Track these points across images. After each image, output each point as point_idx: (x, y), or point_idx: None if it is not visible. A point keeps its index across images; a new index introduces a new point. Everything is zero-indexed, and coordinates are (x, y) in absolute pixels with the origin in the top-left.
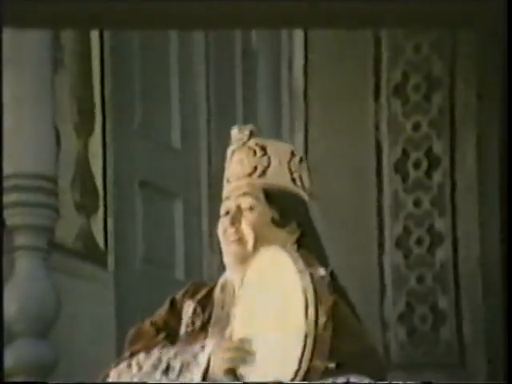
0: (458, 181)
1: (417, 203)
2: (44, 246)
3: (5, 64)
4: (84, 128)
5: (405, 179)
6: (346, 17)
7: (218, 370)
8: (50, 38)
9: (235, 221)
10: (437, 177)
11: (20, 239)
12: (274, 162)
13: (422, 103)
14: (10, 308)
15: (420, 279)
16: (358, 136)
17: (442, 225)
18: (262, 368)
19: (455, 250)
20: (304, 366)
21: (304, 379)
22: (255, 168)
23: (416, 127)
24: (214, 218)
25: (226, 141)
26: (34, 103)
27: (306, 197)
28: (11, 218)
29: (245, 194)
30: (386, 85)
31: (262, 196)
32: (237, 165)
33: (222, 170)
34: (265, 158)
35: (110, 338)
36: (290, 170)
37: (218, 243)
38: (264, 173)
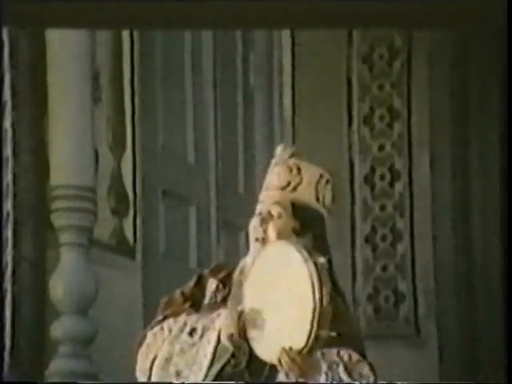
0: (414, 190)
1: (382, 208)
2: (85, 242)
3: (54, 101)
4: (118, 149)
5: (372, 189)
6: (348, 16)
7: (223, 338)
8: (90, 78)
9: (264, 223)
10: (398, 187)
11: (65, 237)
12: (304, 182)
13: (385, 130)
14: (57, 292)
15: (384, 268)
16: (335, 155)
17: (402, 225)
18: (273, 336)
19: (412, 245)
20: (313, 335)
21: (312, 346)
22: (289, 183)
23: (381, 148)
24: (221, 220)
25: (230, 160)
26: (78, 130)
27: (324, 213)
28: (59, 220)
29: (276, 202)
30: (357, 115)
31: (289, 207)
32: (275, 176)
33: (227, 181)
34: (298, 176)
35: (138, 315)
36: (316, 189)
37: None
38: (295, 189)
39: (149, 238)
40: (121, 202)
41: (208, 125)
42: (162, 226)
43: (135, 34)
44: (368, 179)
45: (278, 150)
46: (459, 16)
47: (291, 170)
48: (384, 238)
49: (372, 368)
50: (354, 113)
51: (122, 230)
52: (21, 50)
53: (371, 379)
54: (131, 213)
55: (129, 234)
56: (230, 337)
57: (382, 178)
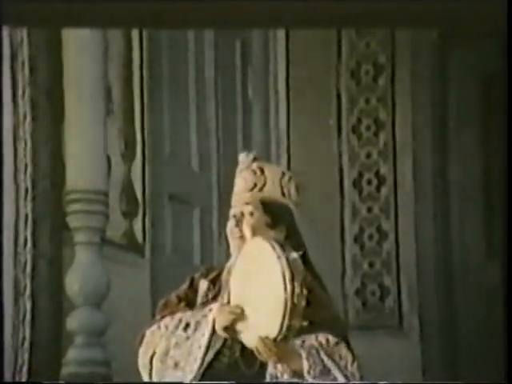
0: (398, 194)
1: (369, 210)
2: (98, 241)
3: (70, 113)
4: (128, 156)
5: (360, 193)
6: (352, 16)
7: (218, 328)
8: (103, 92)
9: (239, 223)
10: (383, 191)
11: (80, 237)
12: (269, 181)
13: (371, 138)
14: (73, 287)
15: (371, 265)
16: (326, 162)
17: (387, 225)
18: (253, 326)
19: (397, 243)
20: (285, 325)
21: (285, 335)
22: (255, 184)
23: (368, 155)
24: (222, 221)
25: (230, 166)
26: (92, 139)
27: (292, 206)
28: (74, 221)
29: (247, 203)
30: (346, 125)
31: (259, 205)
32: (242, 181)
33: (228, 186)
34: (262, 177)
35: (146, 308)
36: (280, 186)
37: (225, 238)
38: (261, 188)
39: (156, 238)
40: (131, 204)
41: (210, 134)
42: (168, 226)
43: (144, 51)
44: (356, 184)
45: (241, 157)
46: (459, 16)
47: (255, 173)
48: (371, 238)
49: (349, 348)
50: (343, 123)
51: (132, 230)
52: (40, 68)
53: (349, 358)
54: (140, 215)
55: (138, 234)
56: (225, 328)
57: (369, 182)
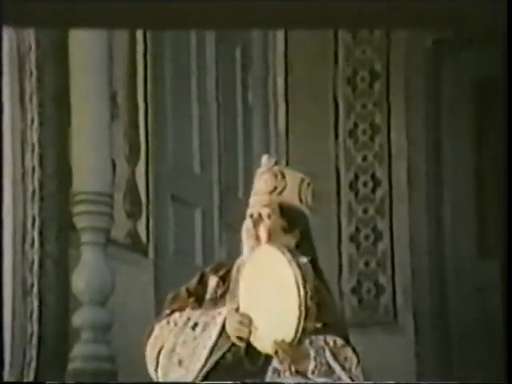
0: (393, 195)
1: (365, 211)
2: (103, 241)
3: (77, 118)
4: (132, 159)
5: (356, 194)
6: (355, 16)
7: (232, 337)
8: (109, 98)
9: (256, 224)
10: (379, 192)
11: (86, 237)
12: (288, 185)
13: (367, 142)
14: (79, 285)
15: (367, 264)
16: (324, 164)
17: (382, 226)
18: (267, 332)
19: (392, 243)
20: (300, 328)
21: (300, 337)
22: (275, 188)
23: (364, 159)
24: (223, 222)
25: (231, 168)
26: (98, 143)
27: (308, 212)
28: (80, 222)
29: (265, 205)
30: (343, 129)
31: (277, 209)
32: (263, 183)
33: (228, 187)
34: (283, 181)
35: (150, 306)
36: (299, 192)
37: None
38: (281, 192)
39: (159, 238)
40: (135, 205)
41: (212, 138)
42: (171, 227)
43: (148, 58)
44: (352, 186)
45: (263, 159)
46: (459, 16)
47: (276, 176)
48: (367, 238)
49: (355, 351)
50: (340, 127)
51: (135, 230)
52: (47, 74)
53: (354, 361)
54: (144, 215)
55: (142, 234)
56: (239, 338)
57: (365, 184)
